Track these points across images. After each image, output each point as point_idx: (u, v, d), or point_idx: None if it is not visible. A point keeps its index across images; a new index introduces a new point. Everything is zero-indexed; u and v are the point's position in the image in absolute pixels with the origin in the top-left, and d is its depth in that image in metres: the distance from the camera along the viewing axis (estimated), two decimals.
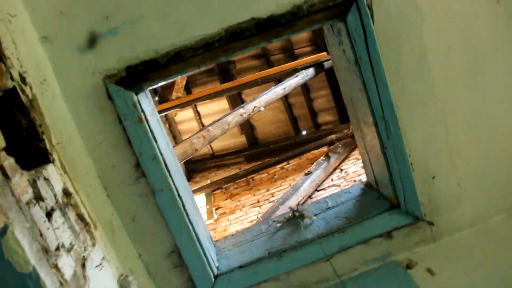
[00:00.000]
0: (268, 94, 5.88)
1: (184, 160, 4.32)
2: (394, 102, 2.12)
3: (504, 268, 2.09)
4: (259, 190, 7.00)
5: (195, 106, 8.77)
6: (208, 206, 7.07)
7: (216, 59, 2.04)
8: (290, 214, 2.63)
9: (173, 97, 7.38)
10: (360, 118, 2.39)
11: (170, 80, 2.22)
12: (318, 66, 7.17)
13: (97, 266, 1.76)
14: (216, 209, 6.80)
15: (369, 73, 2.08)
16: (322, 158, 6.34)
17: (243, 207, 6.54)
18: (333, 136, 7.39)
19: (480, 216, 2.43)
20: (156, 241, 2.24)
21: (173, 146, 4.36)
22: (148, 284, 2.27)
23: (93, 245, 1.81)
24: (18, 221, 1.37)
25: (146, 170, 2.10)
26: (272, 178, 7.29)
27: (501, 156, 2.35)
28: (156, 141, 2.10)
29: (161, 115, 7.17)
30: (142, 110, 2.07)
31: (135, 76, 2.03)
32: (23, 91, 1.72)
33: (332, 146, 6.69)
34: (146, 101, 2.22)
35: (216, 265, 2.41)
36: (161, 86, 8.57)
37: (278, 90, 6.10)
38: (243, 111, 5.33)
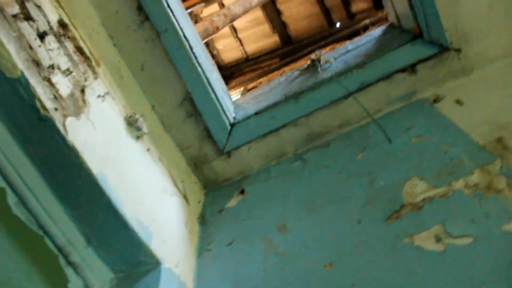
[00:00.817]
0: None
1: (207, 39, 4.21)
2: None
3: None
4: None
5: (222, 4, 8.49)
6: None
7: None
8: (309, 63, 2.52)
9: None
10: None
11: None
12: None
13: (100, 96, 1.75)
14: None
15: None
16: None
17: None
18: (367, 21, 7.02)
19: None
20: (167, 89, 2.20)
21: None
22: (164, 136, 2.26)
23: (95, 78, 1.79)
24: (2, 27, 1.33)
25: (149, 10, 2.02)
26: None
27: None
28: None
29: (187, 12, 7.02)
30: None
31: None
32: None
33: (366, 31, 6.35)
34: None
35: (233, 115, 2.37)
36: None
37: None
38: None
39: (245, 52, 9.31)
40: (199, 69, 2.11)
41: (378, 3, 7.67)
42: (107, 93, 1.83)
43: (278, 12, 8.60)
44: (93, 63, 1.84)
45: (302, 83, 2.34)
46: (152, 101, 2.23)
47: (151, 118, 2.22)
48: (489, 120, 1.82)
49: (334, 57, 2.45)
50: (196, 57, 2.11)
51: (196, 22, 8.50)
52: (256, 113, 2.29)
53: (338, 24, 8.39)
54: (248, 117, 2.29)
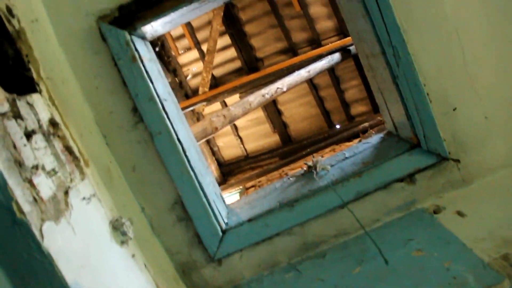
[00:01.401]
0: (292, 76, 5.74)
1: (204, 139, 4.23)
2: (400, 25, 1.94)
3: None
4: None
5: (225, 103, 8.74)
6: None
7: None
8: (306, 169, 2.47)
9: (200, 92, 7.37)
10: (368, 52, 2.22)
11: (166, 26, 2.13)
12: (344, 51, 6.99)
13: (85, 199, 1.67)
14: None
15: None
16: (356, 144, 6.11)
17: None
18: (366, 124, 7.16)
19: None
20: (158, 192, 2.13)
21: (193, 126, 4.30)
22: (152, 240, 2.15)
23: (82, 179, 1.72)
24: None
25: (143, 112, 2.01)
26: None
27: None
28: (152, 82, 2.01)
29: (188, 109, 7.17)
30: (136, 50, 1.99)
31: (127, 16, 1.97)
32: (9, 21, 1.69)
33: (365, 134, 6.46)
34: (144, 47, 2.14)
35: (226, 221, 2.27)
36: (189, 86, 8.62)
37: (302, 73, 5.95)
38: (265, 92, 5.20)
39: (245, 150, 9.41)
40: (192, 173, 2.06)
41: (377, 107, 7.90)
42: (93, 195, 1.76)
43: (279, 113, 8.83)
44: (82, 163, 1.78)
45: (298, 190, 2.27)
46: (142, 203, 2.15)
47: (140, 220, 2.12)
48: (493, 234, 1.73)
49: (331, 163, 2.41)
50: (189, 161, 2.06)
51: (198, 119, 8.71)
52: (249, 220, 2.19)
53: (338, 126, 8.56)
54: (241, 224, 2.20)
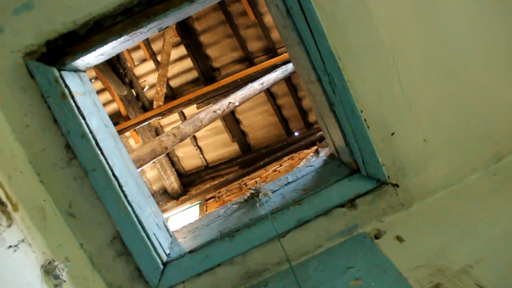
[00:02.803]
0: (245, 90, 5.75)
1: (154, 160, 4.19)
2: (335, 52, 1.98)
3: (483, 227, 1.89)
4: (256, 182, 6.83)
5: (183, 115, 8.69)
6: (200, 216, 6.92)
7: (138, 26, 1.92)
8: (249, 195, 2.48)
9: (154, 106, 7.29)
10: (306, 78, 2.25)
11: (99, 58, 2.11)
12: None
13: (11, 247, 1.62)
14: None
15: (302, 23, 1.94)
16: (311, 154, 6.16)
17: None
18: (321, 132, 7.28)
19: (454, 176, 2.19)
20: (96, 228, 2.10)
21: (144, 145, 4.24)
22: (92, 276, 2.12)
23: (9, 226, 1.68)
24: None
25: (76, 149, 1.97)
26: (264, 181, 7.14)
27: (469, 105, 2.14)
28: (84, 118, 1.98)
29: (144, 124, 7.08)
30: (66, 86, 1.95)
31: (55, 51, 1.93)
32: None
33: (322, 142, 6.52)
34: (76, 81, 2.11)
35: (168, 252, 2.26)
36: (146, 98, 8.53)
37: (255, 86, 5.98)
38: (217, 108, 5.20)
39: (205, 160, 9.37)
40: (129, 208, 2.04)
41: None
42: (22, 240, 1.71)
43: (237, 122, 8.84)
44: (9, 208, 1.74)
45: (239, 219, 2.28)
46: (80, 240, 2.11)
47: (79, 257, 2.09)
48: (429, 262, 1.78)
49: (273, 189, 2.43)
50: (126, 196, 2.04)
51: (156, 132, 8.62)
52: (191, 252, 2.19)
53: (296, 133, 8.63)
54: (182, 256, 2.19)
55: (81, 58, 1.98)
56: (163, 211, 8.02)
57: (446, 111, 2.14)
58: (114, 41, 1.96)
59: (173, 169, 9.21)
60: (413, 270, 1.74)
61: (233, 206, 2.48)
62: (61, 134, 1.99)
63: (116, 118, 8.69)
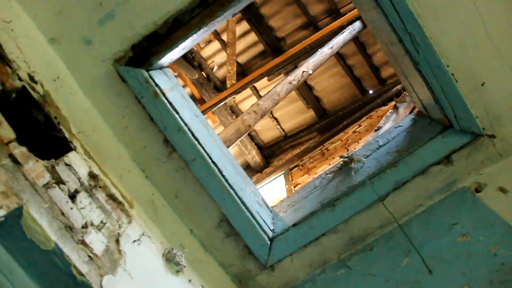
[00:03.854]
0: (316, 57, 5.66)
1: (240, 138, 4.28)
2: (413, 10, 1.90)
3: None
4: (334, 158, 6.81)
5: (255, 89, 8.75)
6: (287, 186, 7.01)
7: (214, 16, 1.96)
8: (342, 163, 2.49)
9: (228, 85, 7.40)
10: (386, 40, 2.18)
11: (181, 52, 2.18)
12: None
13: (135, 241, 1.77)
14: (295, 186, 6.72)
15: None
16: (390, 111, 5.99)
17: None
18: (399, 86, 7.00)
19: None
20: (203, 213, 2.22)
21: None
22: (205, 258, 2.25)
23: (129, 222, 1.82)
24: (33, 202, 1.40)
25: (174, 143, 2.09)
26: (345, 144, 7.06)
27: None
28: (178, 113, 2.08)
29: (220, 104, 7.22)
30: (157, 85, 2.05)
31: (142, 54, 2.03)
32: (34, 89, 1.78)
33: (399, 97, 6.33)
34: (163, 77, 2.20)
35: (272, 228, 2.34)
36: (217, 78, 8.68)
37: (325, 51, 5.86)
38: (292, 79, 5.17)
39: (283, 130, 9.42)
40: (231, 191, 2.13)
41: None
42: (143, 234, 1.86)
43: (310, 88, 8.75)
44: (126, 206, 1.88)
45: (337, 188, 2.30)
46: (190, 226, 2.25)
47: (191, 242, 2.23)
48: None
49: (365, 154, 2.42)
50: (226, 180, 2.13)
51: (232, 110, 8.77)
52: (294, 225, 2.25)
53: (371, 91, 8.40)
54: (287, 229, 2.26)
55: (166, 56, 2.06)
56: None
57: None
58: (194, 35, 2.02)
59: (253, 143, 9.36)
60: None
61: (328, 175, 2.50)
62: (159, 130, 2.10)
63: None
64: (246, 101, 9.06)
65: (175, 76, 7.31)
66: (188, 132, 2.07)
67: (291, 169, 7.74)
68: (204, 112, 7.24)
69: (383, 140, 2.46)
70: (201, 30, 2.02)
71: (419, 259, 1.86)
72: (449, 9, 1.93)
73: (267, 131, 9.53)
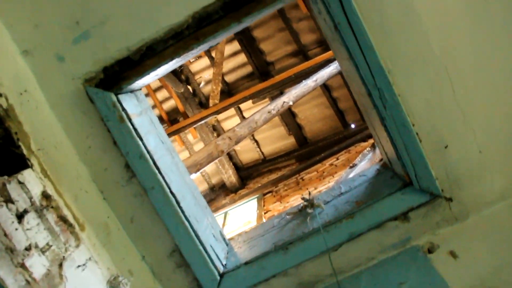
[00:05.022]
0: (298, 88, 5.73)
1: (211, 162, 4.29)
2: (384, 66, 1.93)
3: None
4: (307, 189, 6.85)
5: (240, 109, 8.80)
6: (258, 211, 7.02)
7: (188, 48, 1.98)
8: (302, 205, 2.51)
9: (210, 104, 7.43)
10: (357, 91, 2.23)
11: (153, 78, 2.19)
12: None
13: (80, 266, 1.75)
14: (265, 213, 6.74)
15: (351, 38, 1.91)
16: (367, 149, 6.05)
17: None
18: None
19: None
20: (157, 241, 2.21)
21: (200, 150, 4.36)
22: (154, 286, 2.24)
23: (77, 246, 1.81)
24: None
25: (135, 169, 2.08)
26: (321, 175, 7.11)
27: None
28: (142, 139, 2.08)
29: (201, 122, 7.24)
30: (124, 109, 2.06)
31: (112, 77, 2.03)
32: None
33: None
34: (133, 101, 2.21)
35: (224, 263, 2.34)
36: (203, 94, 8.71)
37: (309, 83, 5.94)
38: (271, 108, 5.22)
39: (262, 153, 9.46)
40: (186, 223, 2.13)
41: None
42: (89, 258, 1.84)
43: (293, 115, 8.83)
44: (77, 229, 1.87)
45: (293, 231, 2.32)
46: (142, 252, 2.23)
47: (141, 268, 2.21)
48: (482, 282, 1.74)
49: (326, 200, 2.44)
50: (183, 211, 2.13)
51: (214, 129, 8.78)
52: (246, 263, 2.25)
53: (353, 126, 8.51)
54: (238, 267, 2.26)
55: (136, 82, 2.07)
56: (222, 206, 8.20)
57: (502, 120, 2.03)
58: (166, 65, 2.03)
59: (231, 163, 9.38)
60: None
61: (287, 216, 2.51)
62: (121, 154, 2.10)
63: (174, 114, 8.95)
64: (229, 120, 9.10)
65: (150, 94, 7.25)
66: (150, 160, 2.07)
67: (264, 194, 7.76)
68: (185, 127, 7.25)
69: (345, 187, 2.49)
70: (174, 61, 2.04)
71: None
72: (420, 69, 1.97)
73: (246, 152, 9.56)
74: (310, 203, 2.43)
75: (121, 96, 2.09)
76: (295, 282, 2.20)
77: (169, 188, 2.12)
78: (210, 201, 9.30)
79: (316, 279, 2.20)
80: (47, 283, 1.55)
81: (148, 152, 2.09)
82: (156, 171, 2.09)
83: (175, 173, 2.28)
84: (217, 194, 9.43)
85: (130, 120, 2.07)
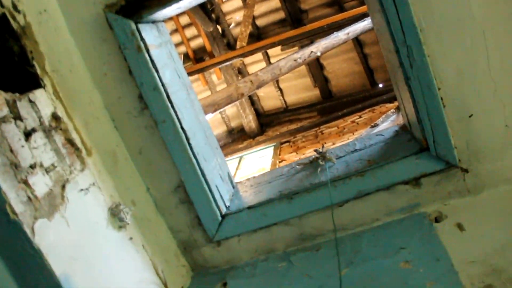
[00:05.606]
0: (328, 39, 5.55)
1: (230, 104, 4.25)
2: (417, 24, 1.82)
3: None
4: (325, 143, 6.81)
5: (267, 55, 8.64)
6: (273, 159, 7.04)
7: None
8: (314, 157, 2.48)
9: (237, 46, 7.29)
10: (386, 46, 2.13)
11: (176, 11, 2.13)
12: None
13: (82, 190, 1.78)
14: (280, 162, 6.75)
15: None
16: (392, 110, 5.93)
17: None
18: None
19: None
20: (163, 175, 2.23)
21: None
22: (156, 218, 2.28)
23: (82, 170, 1.83)
24: None
25: (147, 101, 2.07)
26: (341, 131, 7.04)
27: None
28: (157, 71, 2.05)
29: (226, 63, 7.14)
30: (142, 39, 2.01)
31: (133, 4, 1.98)
32: (14, 18, 1.75)
33: None
34: (153, 32, 2.16)
35: (228, 204, 2.35)
36: (232, 35, 8.55)
37: (340, 35, 5.74)
38: (298, 56, 5.09)
39: (285, 102, 9.38)
40: (193, 160, 2.13)
41: None
42: (93, 184, 1.87)
43: (321, 67, 8.65)
44: (84, 153, 1.88)
45: (301, 181, 2.30)
46: (147, 184, 2.26)
47: (145, 199, 2.24)
48: (485, 259, 1.69)
49: (339, 155, 2.40)
50: (191, 148, 2.13)
51: (239, 71, 8.68)
52: (249, 207, 2.26)
53: (381, 85, 8.31)
54: (241, 210, 2.27)
55: (158, 12, 2.01)
56: (238, 150, 8.24)
57: None
58: None
59: (252, 108, 9.34)
60: (467, 265, 1.67)
61: (297, 166, 2.50)
62: (135, 85, 2.08)
63: (200, 53, 8.86)
64: (255, 64, 8.96)
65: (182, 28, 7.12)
66: (163, 93, 2.05)
67: (282, 143, 7.75)
68: (209, 67, 7.17)
69: (360, 145, 2.44)
70: None
71: (359, 273, 1.88)
72: (455, 33, 1.85)
73: (269, 99, 9.49)
74: (322, 155, 2.39)
75: (141, 26, 2.04)
76: (296, 232, 2.21)
77: (180, 124, 2.11)
78: (227, 144, 9.36)
79: (318, 233, 2.20)
80: (49, 202, 1.57)
81: (163, 85, 2.07)
82: (169, 105, 2.07)
83: (188, 109, 2.26)
84: (235, 137, 9.47)
85: (148, 50, 2.03)
